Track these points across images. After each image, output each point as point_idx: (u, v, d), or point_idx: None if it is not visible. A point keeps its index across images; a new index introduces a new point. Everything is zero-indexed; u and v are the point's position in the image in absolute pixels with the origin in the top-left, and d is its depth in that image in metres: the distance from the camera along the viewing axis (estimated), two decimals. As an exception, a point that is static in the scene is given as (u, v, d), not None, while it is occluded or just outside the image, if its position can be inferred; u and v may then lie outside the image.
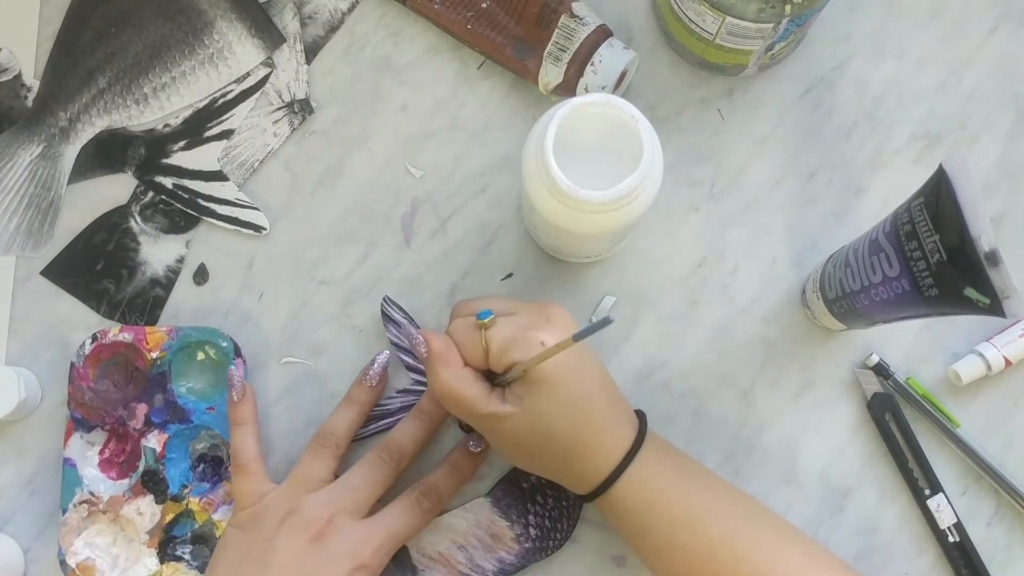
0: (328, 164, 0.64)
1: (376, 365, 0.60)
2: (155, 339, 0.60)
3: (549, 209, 0.52)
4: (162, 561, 0.59)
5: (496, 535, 0.60)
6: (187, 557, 0.59)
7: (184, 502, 0.60)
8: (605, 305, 0.62)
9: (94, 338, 0.60)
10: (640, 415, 0.55)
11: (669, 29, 0.62)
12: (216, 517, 0.60)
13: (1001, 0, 0.64)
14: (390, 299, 0.61)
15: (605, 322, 0.45)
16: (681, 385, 0.62)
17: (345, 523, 0.55)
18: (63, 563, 0.59)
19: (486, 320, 0.52)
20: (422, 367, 0.61)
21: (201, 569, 0.59)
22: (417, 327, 0.61)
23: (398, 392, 0.61)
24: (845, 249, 0.56)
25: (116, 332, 0.60)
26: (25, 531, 0.61)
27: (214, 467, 0.61)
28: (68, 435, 0.60)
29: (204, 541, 0.60)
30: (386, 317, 0.61)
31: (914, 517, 0.61)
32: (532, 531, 0.60)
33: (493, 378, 0.53)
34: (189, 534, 0.60)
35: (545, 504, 0.60)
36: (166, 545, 0.60)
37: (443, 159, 0.64)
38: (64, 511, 0.59)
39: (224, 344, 0.60)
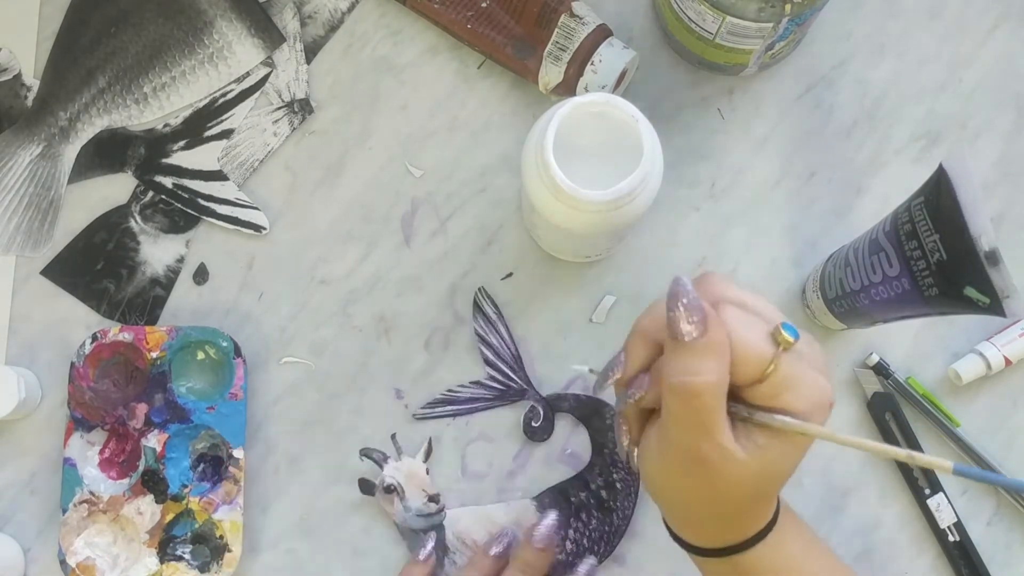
0: (328, 164, 0.64)
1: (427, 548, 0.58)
2: (155, 339, 0.60)
3: (549, 209, 0.52)
4: (162, 561, 0.59)
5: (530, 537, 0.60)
6: (187, 557, 0.59)
7: (184, 502, 0.60)
8: (605, 304, 0.62)
9: (94, 338, 0.60)
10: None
11: (669, 29, 0.62)
12: (216, 517, 0.60)
13: (1001, 0, 0.65)
14: (485, 292, 0.61)
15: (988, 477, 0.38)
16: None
17: None
18: (63, 563, 0.59)
19: (790, 338, 0.40)
20: (500, 365, 0.61)
21: (201, 569, 0.59)
22: (501, 324, 0.60)
23: (471, 383, 0.61)
24: (845, 249, 0.56)
25: (116, 332, 0.60)
26: (25, 531, 0.61)
27: (214, 467, 0.61)
28: (68, 435, 0.60)
29: (204, 541, 0.60)
30: (477, 308, 0.61)
31: (914, 517, 0.61)
32: (568, 545, 0.60)
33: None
34: (189, 534, 0.60)
35: (588, 524, 0.60)
36: (166, 545, 0.60)
37: (443, 159, 0.64)
38: (64, 511, 0.59)
39: (224, 344, 0.60)
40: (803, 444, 0.41)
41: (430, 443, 0.61)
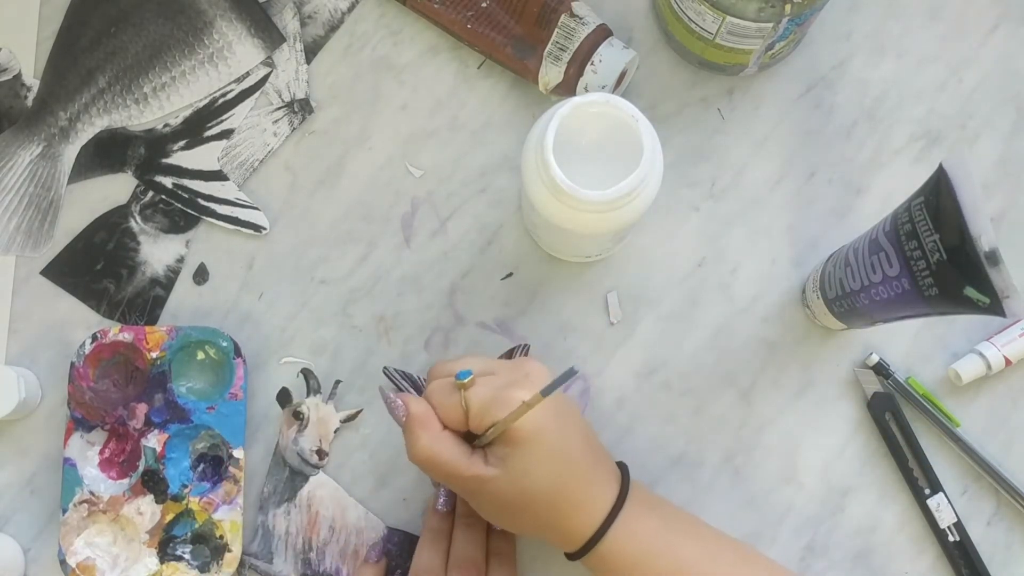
0: (328, 164, 0.64)
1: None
2: (155, 339, 0.60)
3: (549, 209, 0.52)
4: (162, 561, 0.59)
5: (359, 555, 0.60)
6: (187, 557, 0.59)
7: (184, 502, 0.60)
8: (613, 302, 0.62)
9: (94, 338, 0.60)
10: (623, 468, 0.54)
11: (669, 29, 0.62)
12: (216, 517, 0.60)
13: (1001, 0, 0.65)
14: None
15: (570, 373, 0.45)
16: (681, 385, 0.62)
17: None
18: (63, 563, 0.59)
19: (465, 380, 0.50)
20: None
21: (201, 569, 0.59)
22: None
23: None
24: (845, 248, 0.56)
25: (116, 332, 0.60)
26: (25, 531, 0.61)
27: (214, 467, 0.61)
28: (68, 435, 0.60)
29: (204, 541, 0.60)
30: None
31: (914, 517, 0.61)
32: None
33: (472, 440, 0.52)
34: (189, 534, 0.60)
35: None
36: (166, 545, 0.60)
37: (443, 159, 0.64)
38: (64, 511, 0.59)
39: (224, 344, 0.60)
40: (528, 440, 0.49)
41: (357, 413, 0.61)
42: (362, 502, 0.61)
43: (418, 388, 0.60)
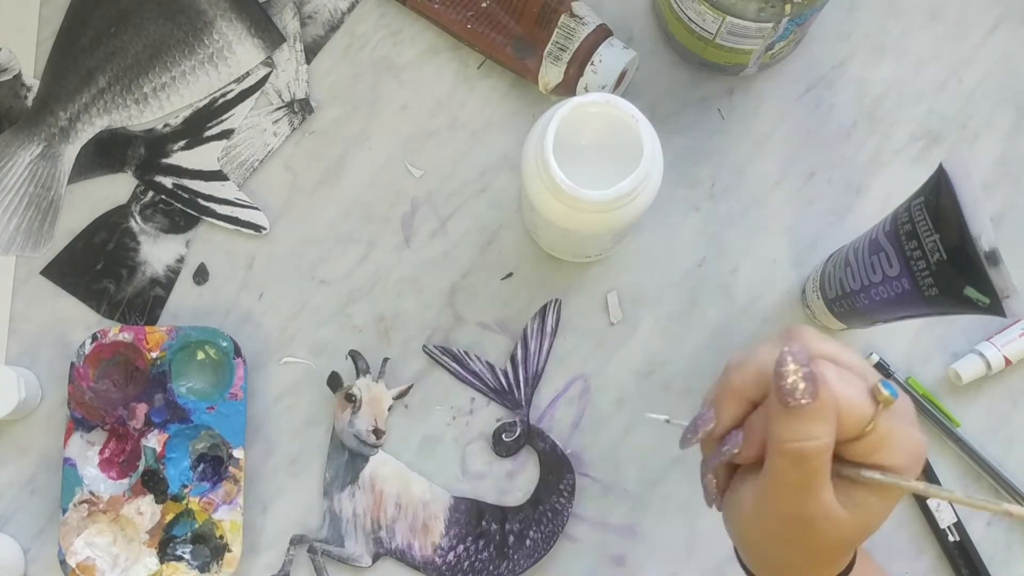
0: (328, 164, 0.64)
1: None
2: (155, 339, 0.60)
3: (549, 209, 0.52)
4: (162, 561, 0.59)
5: (428, 527, 0.60)
6: (187, 557, 0.59)
7: (184, 502, 0.60)
8: (613, 302, 0.62)
9: (94, 338, 0.60)
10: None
11: (669, 29, 0.62)
12: (216, 517, 0.60)
13: (1001, 0, 0.65)
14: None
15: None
16: (681, 384, 0.62)
17: None
18: (63, 563, 0.59)
19: (891, 396, 0.40)
20: (520, 370, 0.61)
21: (201, 569, 0.59)
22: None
23: (486, 362, 0.62)
24: (845, 249, 0.56)
25: (116, 332, 0.60)
26: (25, 531, 0.61)
27: (214, 467, 0.61)
28: (68, 435, 0.60)
29: (204, 541, 0.60)
30: (542, 315, 0.61)
31: (914, 517, 0.61)
32: (450, 556, 0.60)
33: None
34: (189, 534, 0.60)
35: (479, 553, 0.60)
36: (166, 545, 0.60)
37: (443, 159, 0.64)
38: (64, 511, 0.59)
39: (224, 344, 0.60)
40: (895, 497, 0.41)
41: (408, 388, 0.61)
42: (425, 475, 0.61)
43: (461, 362, 0.61)
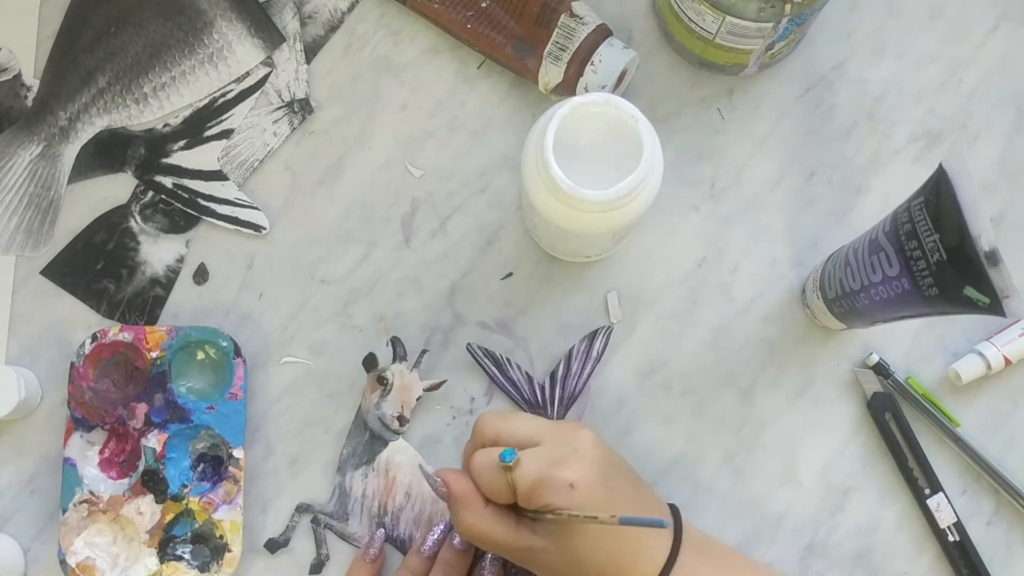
0: (328, 164, 0.64)
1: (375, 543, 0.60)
2: (155, 339, 0.60)
3: (549, 209, 0.52)
4: (162, 561, 0.59)
5: (433, 523, 0.60)
6: (187, 557, 0.59)
7: (184, 502, 0.60)
8: (613, 302, 0.62)
9: (94, 338, 0.60)
10: (675, 512, 0.53)
11: (669, 29, 0.62)
12: (216, 516, 0.60)
13: (1001, 0, 0.65)
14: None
15: (658, 522, 0.44)
16: (681, 384, 0.62)
17: None
18: (63, 563, 0.59)
19: (511, 462, 0.49)
20: (558, 389, 0.61)
21: (201, 569, 0.59)
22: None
23: (527, 372, 0.61)
24: (845, 248, 0.56)
25: (116, 332, 0.60)
26: (25, 531, 0.61)
27: (214, 467, 0.61)
28: (68, 435, 0.60)
29: (204, 541, 0.60)
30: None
31: (914, 516, 0.61)
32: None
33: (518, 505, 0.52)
34: (189, 534, 0.60)
35: (478, 559, 0.59)
36: (166, 545, 0.60)
37: (443, 159, 0.64)
38: (64, 511, 0.59)
39: (224, 344, 0.60)
40: (571, 522, 0.49)
41: (442, 383, 0.61)
42: (444, 425, 0.61)
43: (501, 367, 0.61)
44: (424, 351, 0.61)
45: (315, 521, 0.61)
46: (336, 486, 0.61)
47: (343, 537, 0.60)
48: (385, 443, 0.61)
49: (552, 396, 0.61)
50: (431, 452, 0.62)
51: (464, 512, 0.52)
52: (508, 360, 0.61)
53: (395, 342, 0.61)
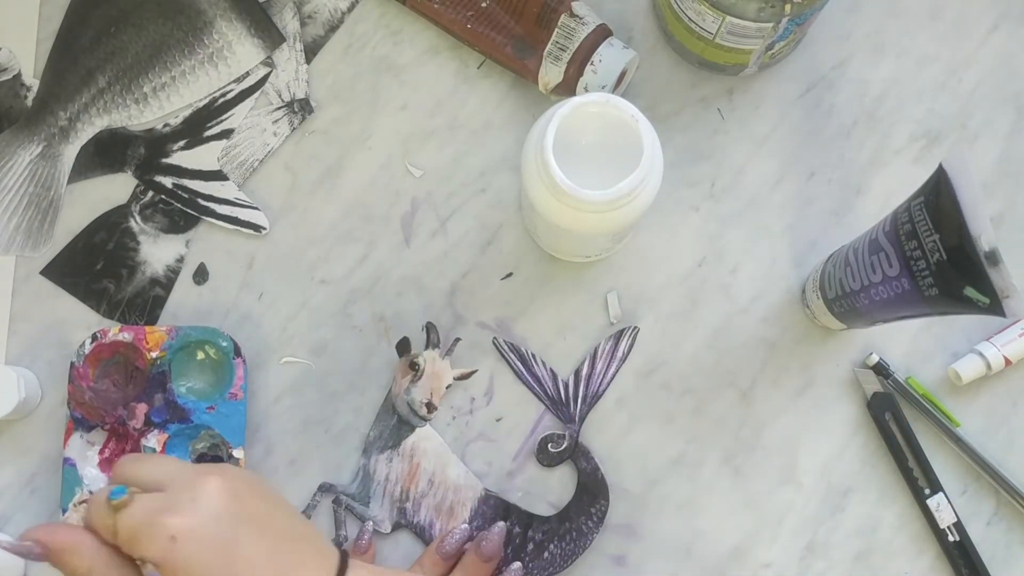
0: (328, 164, 0.64)
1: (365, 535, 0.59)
2: (155, 339, 0.60)
3: (549, 209, 0.52)
4: (162, 561, 0.59)
5: (453, 511, 0.60)
6: (187, 557, 0.59)
7: (184, 502, 0.60)
8: (613, 302, 0.62)
9: (94, 338, 0.60)
10: (343, 564, 0.48)
11: (669, 29, 0.62)
12: (216, 517, 0.59)
13: (1001, 0, 0.65)
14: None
15: None
16: (681, 384, 0.62)
17: None
18: (63, 563, 0.59)
19: (116, 501, 0.44)
20: (582, 388, 0.61)
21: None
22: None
23: (551, 369, 0.62)
24: (845, 248, 0.56)
25: (116, 332, 0.60)
26: (25, 531, 0.61)
27: (214, 467, 0.61)
28: (68, 435, 0.60)
29: (204, 541, 0.60)
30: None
31: (914, 516, 0.61)
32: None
33: None
34: (189, 534, 0.60)
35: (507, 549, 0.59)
36: (166, 545, 0.60)
37: (443, 159, 0.64)
38: (64, 511, 0.59)
39: (224, 344, 0.60)
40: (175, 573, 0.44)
41: (472, 372, 0.61)
42: (464, 461, 0.61)
43: (526, 362, 0.61)
44: (457, 339, 0.61)
45: (336, 502, 0.60)
46: (360, 468, 0.61)
47: (363, 519, 0.60)
48: (412, 428, 0.61)
49: (576, 394, 0.61)
50: None
51: (76, 560, 0.45)
52: (533, 356, 0.61)
53: (429, 328, 0.61)
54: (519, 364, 0.61)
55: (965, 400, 0.62)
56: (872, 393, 0.61)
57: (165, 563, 0.43)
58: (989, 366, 0.60)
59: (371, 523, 0.60)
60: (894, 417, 0.61)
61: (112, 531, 0.45)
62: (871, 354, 0.61)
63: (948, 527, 0.60)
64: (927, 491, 0.60)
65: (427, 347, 0.61)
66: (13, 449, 0.62)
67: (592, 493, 0.60)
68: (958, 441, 0.61)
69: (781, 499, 0.61)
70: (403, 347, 0.61)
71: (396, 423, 0.61)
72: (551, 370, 0.62)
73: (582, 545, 0.60)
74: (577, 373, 0.61)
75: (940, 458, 0.61)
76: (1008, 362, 0.60)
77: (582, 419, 0.61)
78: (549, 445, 0.61)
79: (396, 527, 0.60)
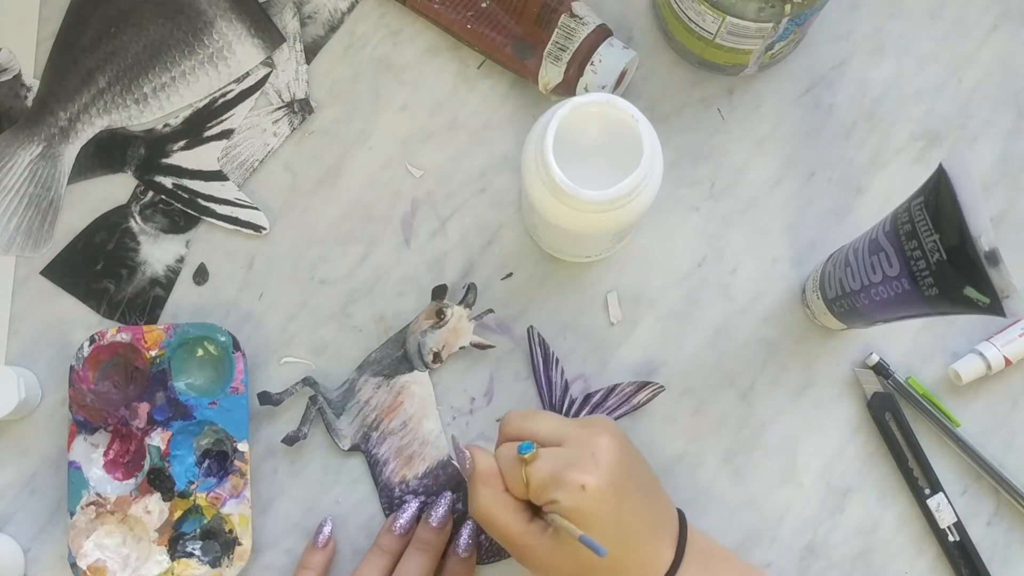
0: (328, 164, 0.64)
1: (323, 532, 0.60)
2: (153, 337, 0.60)
3: (549, 209, 0.52)
4: (173, 558, 0.59)
5: (411, 461, 0.61)
6: (198, 553, 0.59)
7: (191, 498, 0.60)
8: (613, 302, 0.62)
9: (92, 340, 0.60)
10: (681, 517, 0.54)
11: (669, 29, 0.62)
12: (224, 511, 0.59)
13: (1001, 0, 0.65)
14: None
15: (598, 550, 0.47)
16: (681, 384, 0.62)
17: None
18: (74, 566, 0.59)
19: (527, 455, 0.51)
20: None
21: (212, 564, 0.59)
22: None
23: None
24: (845, 248, 0.56)
25: (114, 333, 0.60)
26: (25, 531, 0.61)
27: (219, 462, 0.61)
28: (71, 438, 0.60)
29: (214, 536, 0.60)
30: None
31: (914, 517, 0.61)
32: (407, 497, 0.60)
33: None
34: (198, 530, 0.60)
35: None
36: (176, 542, 0.60)
37: (443, 159, 0.64)
38: (72, 514, 0.59)
39: (223, 339, 0.60)
40: (586, 523, 0.50)
41: (489, 346, 0.61)
42: (444, 424, 0.61)
43: (548, 364, 0.61)
44: (490, 310, 0.62)
45: (312, 400, 0.61)
46: (348, 380, 0.61)
47: (328, 427, 0.61)
48: (411, 369, 0.61)
49: (577, 413, 0.61)
50: None
51: (483, 490, 0.52)
52: (557, 360, 0.61)
53: (470, 288, 0.61)
54: (540, 360, 0.61)
55: (965, 400, 0.62)
56: (872, 393, 0.61)
57: (576, 510, 0.49)
58: (989, 366, 0.60)
59: (330, 518, 0.60)
60: (894, 417, 0.61)
61: (522, 482, 0.51)
62: (871, 354, 0.61)
63: (948, 527, 0.60)
64: (927, 491, 0.60)
65: (460, 303, 0.61)
66: (13, 449, 0.62)
67: None
68: (958, 441, 0.61)
69: (781, 499, 0.61)
70: (439, 292, 0.61)
71: (399, 357, 0.61)
72: (567, 381, 0.61)
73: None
74: (588, 396, 0.61)
75: (940, 458, 0.61)
76: (1008, 362, 0.60)
77: (586, 418, 0.61)
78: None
79: (354, 448, 0.61)
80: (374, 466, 0.61)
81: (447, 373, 0.62)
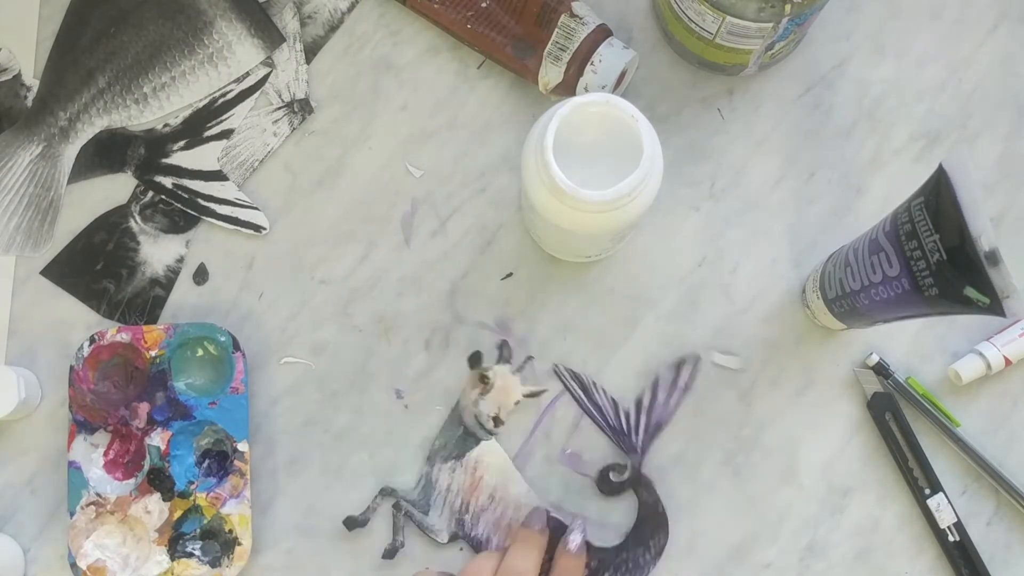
0: (328, 164, 0.64)
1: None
2: (153, 337, 0.60)
3: (549, 209, 0.52)
4: (173, 558, 0.59)
5: (512, 529, 0.60)
6: (198, 553, 0.59)
7: (191, 498, 0.60)
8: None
9: (92, 340, 0.60)
10: None
11: (669, 29, 0.62)
12: (224, 511, 0.60)
13: (1001, 0, 0.65)
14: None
15: None
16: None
17: None
18: (74, 566, 0.59)
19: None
20: (643, 418, 0.61)
21: (212, 564, 0.59)
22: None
23: (612, 398, 0.61)
24: (845, 249, 0.56)
25: (114, 333, 0.60)
26: (25, 531, 0.61)
27: (219, 462, 0.61)
28: (71, 438, 0.60)
29: (214, 536, 0.60)
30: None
31: (914, 517, 0.61)
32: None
33: None
34: (198, 530, 0.60)
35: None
36: (176, 542, 0.60)
37: (443, 159, 0.64)
38: (72, 514, 0.59)
39: (222, 339, 0.60)
40: None
41: (542, 391, 0.61)
42: (528, 480, 0.61)
43: (587, 391, 0.61)
44: (530, 357, 0.61)
45: (396, 507, 0.60)
46: (423, 476, 0.61)
47: (420, 527, 0.60)
48: (477, 441, 0.61)
49: (637, 424, 0.61)
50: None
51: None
52: (594, 384, 0.61)
53: (503, 345, 0.61)
54: (579, 392, 0.61)
55: (965, 400, 0.62)
56: (872, 393, 0.61)
57: None
58: (989, 366, 0.60)
59: (584, 530, 0.58)
60: (894, 417, 0.61)
61: None
62: (871, 354, 0.61)
63: (948, 527, 0.60)
64: (927, 491, 0.60)
65: (499, 362, 0.61)
66: (13, 449, 0.62)
67: (651, 525, 0.60)
68: (958, 441, 0.61)
69: (781, 499, 0.61)
70: (475, 360, 0.61)
71: (462, 434, 0.61)
72: (612, 399, 0.61)
73: None
74: (639, 403, 0.61)
75: (940, 458, 0.61)
76: (1008, 362, 0.60)
77: (644, 450, 0.61)
78: (611, 474, 0.60)
79: (453, 538, 0.60)
80: (479, 547, 0.60)
81: (448, 371, 0.62)
